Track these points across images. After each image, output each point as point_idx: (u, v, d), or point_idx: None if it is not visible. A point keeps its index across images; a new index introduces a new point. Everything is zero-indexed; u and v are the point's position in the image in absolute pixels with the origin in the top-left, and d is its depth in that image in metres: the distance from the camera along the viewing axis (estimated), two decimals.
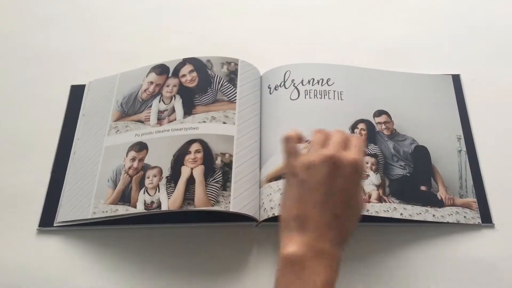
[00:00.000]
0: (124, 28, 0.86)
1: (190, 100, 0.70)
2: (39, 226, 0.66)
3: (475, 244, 0.62)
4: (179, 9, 0.88)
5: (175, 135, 0.67)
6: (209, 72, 0.72)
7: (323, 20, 0.85)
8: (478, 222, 0.63)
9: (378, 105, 0.70)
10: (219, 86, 0.71)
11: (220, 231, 0.65)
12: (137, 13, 0.89)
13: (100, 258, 0.64)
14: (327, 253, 0.48)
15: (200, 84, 0.71)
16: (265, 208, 0.62)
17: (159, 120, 0.69)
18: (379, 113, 0.69)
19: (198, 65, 0.72)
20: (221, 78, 0.71)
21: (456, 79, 0.75)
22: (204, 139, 0.66)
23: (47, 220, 0.66)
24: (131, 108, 0.72)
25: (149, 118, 0.70)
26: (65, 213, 0.66)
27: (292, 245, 0.48)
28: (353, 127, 0.68)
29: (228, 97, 0.70)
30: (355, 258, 0.61)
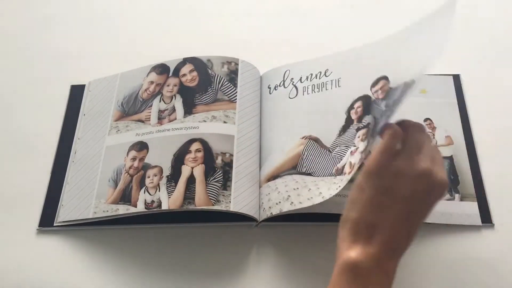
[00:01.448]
0: (124, 28, 0.86)
1: (191, 99, 0.70)
2: (39, 226, 0.66)
3: (475, 244, 0.62)
4: (179, 9, 0.88)
5: (176, 135, 0.67)
6: (210, 71, 0.72)
7: (323, 20, 0.85)
8: (478, 224, 0.63)
9: (376, 76, 0.65)
10: (219, 86, 0.70)
11: (220, 231, 0.65)
12: (137, 13, 0.89)
13: (100, 258, 0.63)
14: (392, 273, 0.47)
15: (201, 83, 0.71)
16: (264, 208, 0.62)
17: (160, 120, 0.69)
18: (376, 81, 0.64)
19: (199, 64, 0.72)
20: (222, 78, 0.71)
21: (456, 79, 0.75)
22: (204, 139, 0.66)
23: (47, 220, 0.66)
24: (131, 108, 0.72)
25: (149, 118, 0.70)
26: (65, 213, 0.66)
27: (357, 252, 0.46)
28: (349, 110, 0.65)
29: (228, 97, 0.70)
30: None
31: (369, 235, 0.46)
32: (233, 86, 0.71)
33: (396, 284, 0.60)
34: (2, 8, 0.90)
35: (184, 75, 0.72)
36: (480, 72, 0.76)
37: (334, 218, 0.62)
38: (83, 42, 0.85)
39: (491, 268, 0.60)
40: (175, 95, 0.71)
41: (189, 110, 0.69)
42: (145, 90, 0.73)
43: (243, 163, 0.65)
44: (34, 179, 0.70)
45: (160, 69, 0.73)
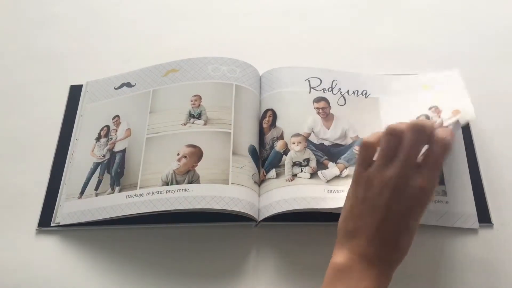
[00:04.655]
0: (123, 28, 0.86)
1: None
2: (38, 226, 0.66)
3: (474, 245, 0.62)
4: (179, 10, 0.88)
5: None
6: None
7: (322, 20, 0.85)
8: (475, 226, 0.62)
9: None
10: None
11: (219, 231, 0.64)
12: (137, 13, 0.88)
13: (99, 258, 0.63)
14: (377, 266, 0.47)
15: None
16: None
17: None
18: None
19: None
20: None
21: None
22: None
23: (46, 220, 0.66)
24: None
25: None
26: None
27: (342, 255, 0.48)
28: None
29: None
30: None
31: (353, 238, 0.48)
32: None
33: (396, 284, 0.60)
34: (2, 8, 0.90)
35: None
36: (480, 72, 0.76)
37: (334, 218, 0.62)
38: (83, 42, 0.85)
39: (491, 269, 0.60)
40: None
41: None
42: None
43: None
44: (33, 179, 0.70)
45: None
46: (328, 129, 0.67)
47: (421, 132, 0.47)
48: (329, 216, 0.60)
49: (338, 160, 0.65)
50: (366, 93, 0.70)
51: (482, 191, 0.65)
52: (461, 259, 0.61)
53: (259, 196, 0.64)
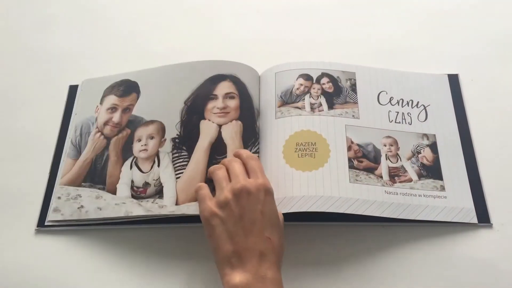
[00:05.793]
0: (123, 28, 0.86)
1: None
2: (37, 226, 0.66)
3: (474, 244, 0.62)
4: (179, 10, 0.88)
5: None
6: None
7: (322, 20, 0.85)
8: (474, 221, 0.63)
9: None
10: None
11: None
12: (136, 13, 0.89)
13: (98, 258, 0.63)
14: (270, 277, 0.51)
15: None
16: None
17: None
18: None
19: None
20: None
21: (453, 79, 0.75)
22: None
23: (45, 220, 0.66)
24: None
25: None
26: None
27: (237, 276, 0.51)
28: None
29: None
30: (353, 259, 0.61)
31: (241, 261, 0.52)
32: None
33: (395, 284, 0.60)
34: (2, 8, 0.90)
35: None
36: (480, 72, 0.76)
37: (334, 217, 0.62)
38: (82, 42, 0.85)
39: (490, 269, 0.60)
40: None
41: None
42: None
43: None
44: (32, 179, 0.70)
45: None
46: None
47: (238, 161, 0.56)
48: (330, 216, 0.60)
49: None
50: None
51: (481, 190, 0.65)
52: (460, 259, 0.61)
53: None
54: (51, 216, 0.64)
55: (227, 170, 0.56)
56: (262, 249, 0.52)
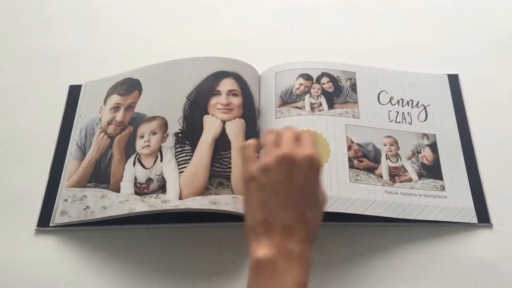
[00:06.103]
0: (123, 28, 0.86)
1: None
2: (37, 226, 0.66)
3: (474, 244, 0.62)
4: (179, 10, 0.88)
5: None
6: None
7: (322, 19, 0.85)
8: (474, 221, 0.63)
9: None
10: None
11: (220, 231, 0.64)
12: (136, 13, 0.89)
13: (98, 258, 0.63)
14: (298, 254, 0.48)
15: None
16: None
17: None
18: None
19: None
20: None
21: (453, 79, 0.75)
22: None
23: (45, 220, 0.66)
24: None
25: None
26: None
27: (262, 249, 0.48)
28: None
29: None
30: (353, 258, 0.61)
31: (268, 231, 0.48)
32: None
33: (395, 284, 0.60)
34: (1, 8, 0.90)
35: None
36: (480, 72, 0.76)
37: (334, 217, 0.62)
38: (83, 43, 0.85)
39: (490, 269, 0.60)
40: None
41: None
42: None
43: None
44: (33, 179, 0.70)
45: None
46: None
47: (293, 129, 0.53)
48: (329, 216, 0.60)
49: None
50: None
51: (481, 190, 0.65)
52: (460, 259, 0.61)
53: None
54: (58, 219, 0.64)
55: (280, 138, 0.53)
56: (291, 223, 0.49)
